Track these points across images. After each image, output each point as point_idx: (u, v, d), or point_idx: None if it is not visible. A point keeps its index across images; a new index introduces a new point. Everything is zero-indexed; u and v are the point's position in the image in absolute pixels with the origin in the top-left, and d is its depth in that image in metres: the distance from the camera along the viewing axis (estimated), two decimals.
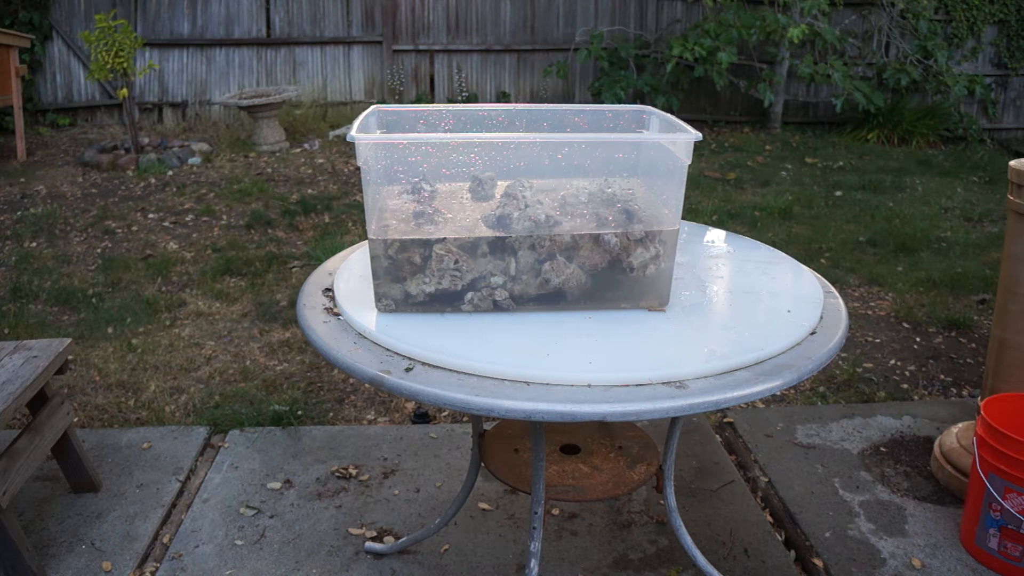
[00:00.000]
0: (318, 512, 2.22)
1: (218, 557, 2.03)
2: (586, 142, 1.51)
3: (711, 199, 5.48)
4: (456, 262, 1.40)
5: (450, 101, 8.03)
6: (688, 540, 1.84)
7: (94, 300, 3.70)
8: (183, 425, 2.65)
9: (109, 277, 3.98)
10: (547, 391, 1.20)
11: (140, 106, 7.70)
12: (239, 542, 2.09)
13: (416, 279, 1.41)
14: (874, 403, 2.89)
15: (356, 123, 1.40)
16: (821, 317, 1.50)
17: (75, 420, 2.43)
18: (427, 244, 1.40)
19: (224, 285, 3.90)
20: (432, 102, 7.97)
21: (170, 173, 6.02)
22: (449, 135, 1.64)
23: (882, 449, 2.55)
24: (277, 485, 2.33)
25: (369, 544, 2.08)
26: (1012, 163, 2.26)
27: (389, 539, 2.11)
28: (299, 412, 2.73)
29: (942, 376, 3.14)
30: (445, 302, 1.43)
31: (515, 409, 1.17)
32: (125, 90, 6.18)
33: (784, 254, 1.82)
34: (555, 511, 2.23)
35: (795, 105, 8.15)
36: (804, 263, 1.80)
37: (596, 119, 1.71)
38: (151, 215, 5.03)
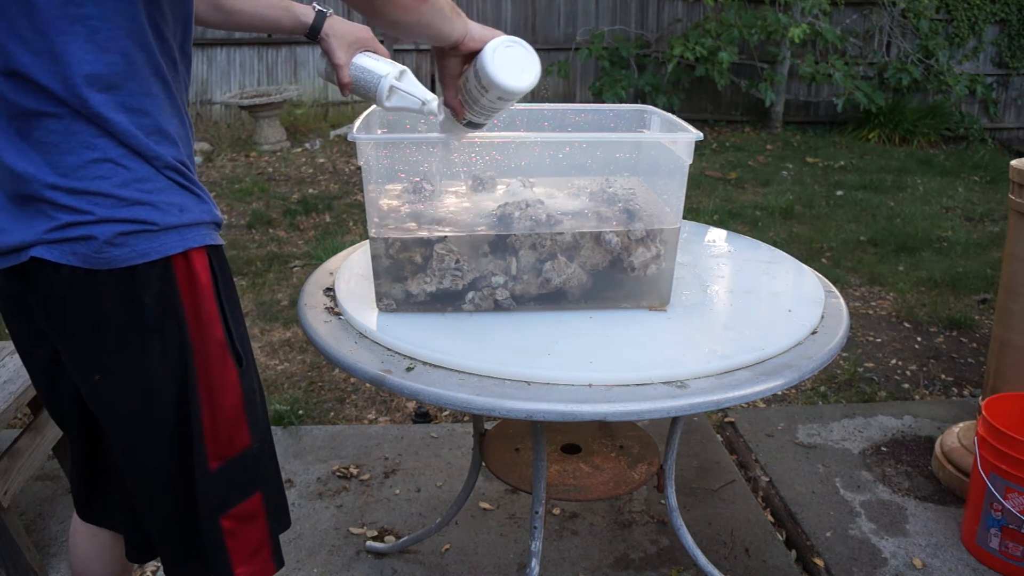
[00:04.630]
0: (319, 511, 2.22)
1: None
2: (587, 141, 1.51)
3: (712, 199, 5.48)
4: (457, 261, 1.40)
5: None
6: (689, 540, 1.84)
7: None
8: None
9: None
10: (548, 391, 1.20)
11: None
12: None
13: (417, 279, 1.41)
14: (875, 403, 2.89)
15: (357, 122, 1.40)
16: (822, 316, 1.50)
17: None
18: (428, 243, 1.40)
19: None
20: None
21: None
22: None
23: (883, 449, 2.55)
24: None
25: (370, 543, 2.08)
26: (1013, 163, 2.26)
27: (390, 538, 2.11)
28: (300, 412, 2.73)
29: (943, 376, 3.14)
30: (446, 301, 1.43)
31: (516, 409, 1.17)
32: None
33: (785, 254, 1.82)
34: (556, 511, 2.23)
35: (796, 105, 8.14)
36: (805, 263, 1.80)
37: (597, 118, 1.71)
38: None
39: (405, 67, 1.39)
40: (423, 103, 1.36)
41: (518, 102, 1.32)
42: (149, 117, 1.03)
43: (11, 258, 1.04)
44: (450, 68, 1.25)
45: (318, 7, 1.39)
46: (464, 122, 1.32)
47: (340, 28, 1.38)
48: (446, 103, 1.30)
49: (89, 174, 0.99)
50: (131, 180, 1.01)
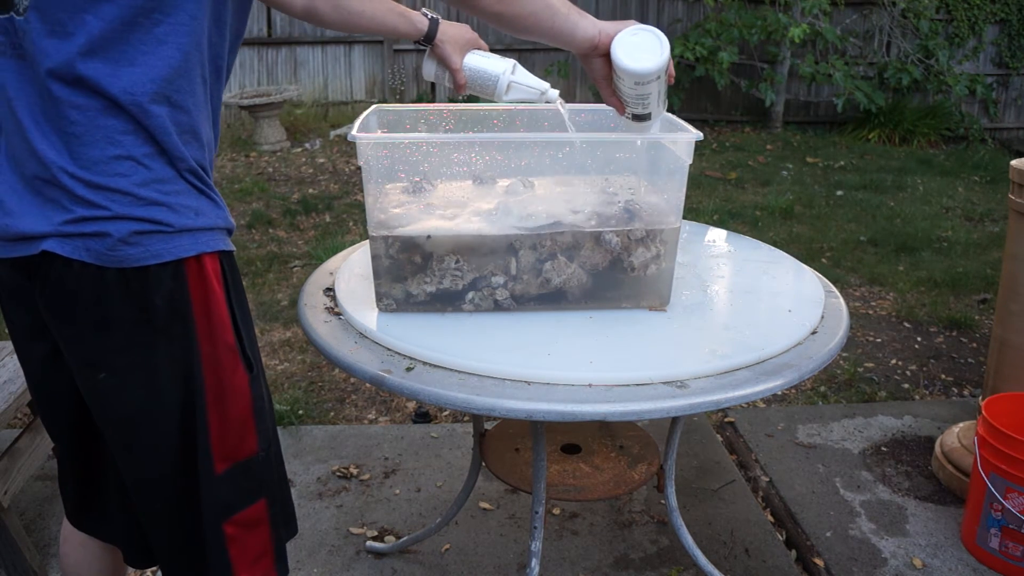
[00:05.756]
0: (319, 511, 2.22)
1: None
2: (587, 141, 1.51)
3: (712, 199, 5.48)
4: (457, 261, 1.40)
5: (451, 101, 8.02)
6: (689, 540, 1.84)
7: None
8: None
9: None
10: (548, 391, 1.20)
11: None
12: None
13: (417, 279, 1.41)
14: (875, 403, 2.89)
15: (357, 122, 1.40)
16: (822, 316, 1.50)
17: None
18: (428, 243, 1.40)
19: None
20: (433, 101, 7.97)
21: None
22: (450, 134, 1.64)
23: (883, 449, 2.55)
24: None
25: (370, 543, 2.08)
26: (1013, 163, 2.26)
27: (390, 538, 2.11)
28: (300, 412, 2.73)
29: (943, 376, 3.14)
30: (446, 302, 1.43)
31: (516, 409, 1.17)
32: None
33: (785, 253, 1.82)
34: (556, 511, 2.23)
35: (796, 105, 8.14)
36: (805, 263, 1.80)
37: (597, 118, 1.71)
38: None
39: (514, 60, 1.43)
40: (542, 92, 1.43)
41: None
42: (188, 115, 1.04)
43: (21, 247, 1.03)
44: (596, 69, 1.34)
45: (429, 13, 1.41)
46: (630, 117, 1.40)
47: (451, 32, 1.41)
48: (606, 103, 1.40)
49: (110, 170, 0.99)
50: (151, 180, 1.01)
